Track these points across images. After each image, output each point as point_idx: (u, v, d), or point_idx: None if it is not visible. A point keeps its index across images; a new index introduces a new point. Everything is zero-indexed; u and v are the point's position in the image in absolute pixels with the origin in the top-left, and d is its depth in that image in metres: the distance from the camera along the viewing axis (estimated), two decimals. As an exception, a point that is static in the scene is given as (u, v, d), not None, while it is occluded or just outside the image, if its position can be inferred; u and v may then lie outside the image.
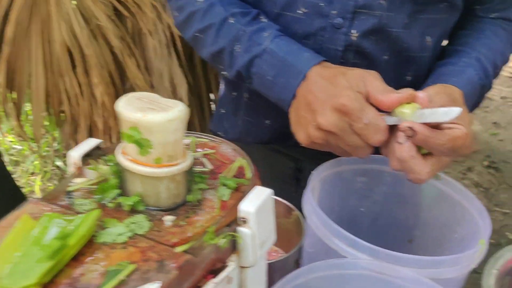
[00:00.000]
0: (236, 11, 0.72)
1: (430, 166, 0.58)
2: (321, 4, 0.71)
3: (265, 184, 1.06)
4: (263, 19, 0.73)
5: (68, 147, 1.94)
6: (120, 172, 0.48)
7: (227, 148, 0.57)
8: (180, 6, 0.77)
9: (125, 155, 0.47)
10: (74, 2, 1.57)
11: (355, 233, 0.59)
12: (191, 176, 0.49)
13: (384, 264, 0.56)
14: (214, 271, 0.44)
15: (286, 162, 0.93)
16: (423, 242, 0.75)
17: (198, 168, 0.53)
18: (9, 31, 1.59)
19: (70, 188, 0.49)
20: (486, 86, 0.75)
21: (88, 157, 0.53)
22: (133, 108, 0.44)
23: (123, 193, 0.48)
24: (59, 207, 0.46)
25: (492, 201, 2.37)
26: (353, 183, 0.75)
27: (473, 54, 0.74)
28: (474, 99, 0.73)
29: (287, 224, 0.77)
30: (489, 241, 0.62)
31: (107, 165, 0.52)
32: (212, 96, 1.84)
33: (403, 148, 0.57)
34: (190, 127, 1.86)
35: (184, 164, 0.47)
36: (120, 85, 1.70)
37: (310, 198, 0.64)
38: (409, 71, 0.78)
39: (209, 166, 0.53)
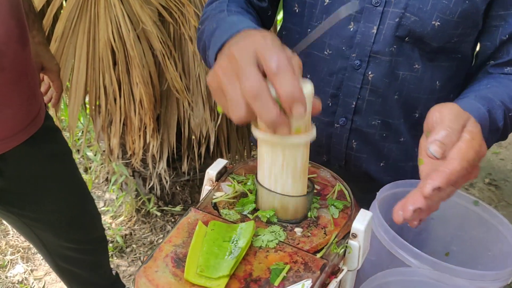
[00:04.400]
0: (233, 9, 0.79)
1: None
2: (343, 48, 0.84)
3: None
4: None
5: (99, 139, 2.05)
6: (257, 190, 0.61)
7: (325, 173, 0.71)
8: (202, 21, 0.85)
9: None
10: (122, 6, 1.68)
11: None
12: (312, 197, 0.62)
13: (441, 274, 0.71)
14: (333, 273, 0.58)
15: None
16: (459, 256, 0.90)
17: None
18: (59, 28, 1.69)
19: (214, 200, 0.62)
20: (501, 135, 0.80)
21: (219, 175, 0.66)
22: None
23: (257, 207, 0.62)
24: (211, 215, 0.59)
25: (492, 218, 2.54)
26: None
27: (497, 101, 0.76)
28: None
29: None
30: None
31: (238, 182, 0.65)
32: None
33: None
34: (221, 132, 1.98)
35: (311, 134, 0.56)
36: (158, 85, 1.82)
37: (378, 213, 0.78)
38: (417, 110, 0.88)
39: (317, 187, 0.67)
